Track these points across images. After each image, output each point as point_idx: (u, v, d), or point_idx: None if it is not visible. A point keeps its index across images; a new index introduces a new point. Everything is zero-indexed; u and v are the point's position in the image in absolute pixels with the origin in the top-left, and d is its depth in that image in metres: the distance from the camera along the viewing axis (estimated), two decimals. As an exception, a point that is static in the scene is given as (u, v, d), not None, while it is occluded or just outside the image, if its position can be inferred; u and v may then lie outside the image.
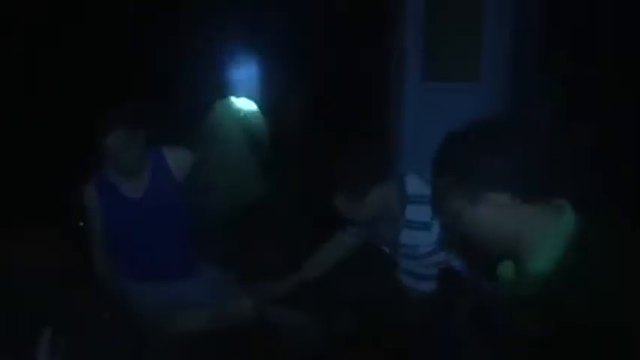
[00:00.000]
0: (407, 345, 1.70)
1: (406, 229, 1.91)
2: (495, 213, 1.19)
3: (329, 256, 2.18)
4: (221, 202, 2.33)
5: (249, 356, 1.72)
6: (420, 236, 1.90)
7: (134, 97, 2.98)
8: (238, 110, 2.34)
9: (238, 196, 2.44)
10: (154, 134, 2.32)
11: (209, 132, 2.31)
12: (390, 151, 3.20)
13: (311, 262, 2.17)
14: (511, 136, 1.23)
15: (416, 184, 1.89)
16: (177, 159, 2.40)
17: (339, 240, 2.16)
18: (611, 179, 2.77)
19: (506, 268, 1.27)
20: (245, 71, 2.96)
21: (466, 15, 3.67)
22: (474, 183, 1.19)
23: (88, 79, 3.31)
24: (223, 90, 2.48)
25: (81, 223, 2.36)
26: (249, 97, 2.51)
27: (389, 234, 1.97)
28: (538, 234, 1.18)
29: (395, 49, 3.69)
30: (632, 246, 1.16)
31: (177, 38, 3.41)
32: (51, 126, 3.19)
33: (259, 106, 2.48)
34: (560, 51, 3.18)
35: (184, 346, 1.73)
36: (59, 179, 2.79)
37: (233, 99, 2.49)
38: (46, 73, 3.35)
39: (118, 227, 2.29)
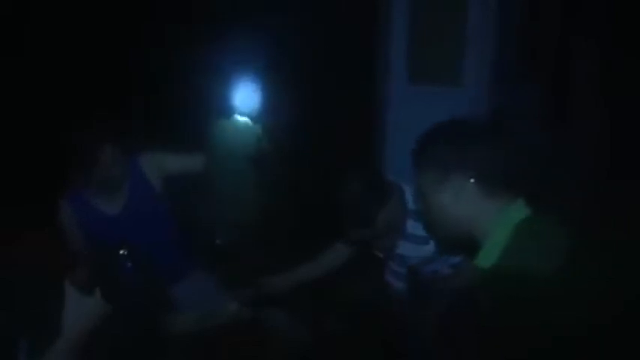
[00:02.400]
0: (392, 344, 1.71)
1: (405, 242, 1.95)
2: (457, 198, 1.28)
3: (325, 264, 2.19)
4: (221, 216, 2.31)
5: (237, 358, 1.70)
6: (418, 249, 1.94)
7: (125, 115, 2.96)
8: (237, 129, 2.32)
9: (238, 208, 2.42)
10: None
11: (211, 151, 2.27)
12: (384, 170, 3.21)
13: (307, 266, 2.18)
14: (482, 131, 1.32)
15: None
16: (151, 166, 2.34)
17: (336, 249, 2.18)
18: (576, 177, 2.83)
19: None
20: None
21: (450, 19, 3.69)
22: (440, 168, 1.29)
23: (77, 91, 3.26)
24: (222, 109, 2.46)
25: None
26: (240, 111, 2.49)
27: (388, 244, 2.01)
28: (492, 223, 1.26)
29: (379, 52, 3.70)
30: (577, 240, 1.21)
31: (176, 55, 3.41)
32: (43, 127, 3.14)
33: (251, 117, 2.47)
34: (544, 57, 3.21)
35: (172, 349, 1.71)
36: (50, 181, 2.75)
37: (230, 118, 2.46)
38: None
39: (98, 243, 2.18)
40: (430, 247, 1.91)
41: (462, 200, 1.27)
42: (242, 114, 2.27)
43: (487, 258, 1.24)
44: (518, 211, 1.26)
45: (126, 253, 1.38)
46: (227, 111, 2.36)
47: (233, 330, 1.84)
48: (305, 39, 3.48)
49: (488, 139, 1.31)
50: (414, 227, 1.90)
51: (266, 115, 2.34)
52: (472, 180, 1.26)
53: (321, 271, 2.17)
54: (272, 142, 2.29)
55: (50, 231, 2.07)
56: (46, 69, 3.28)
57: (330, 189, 1.98)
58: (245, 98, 2.43)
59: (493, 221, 1.25)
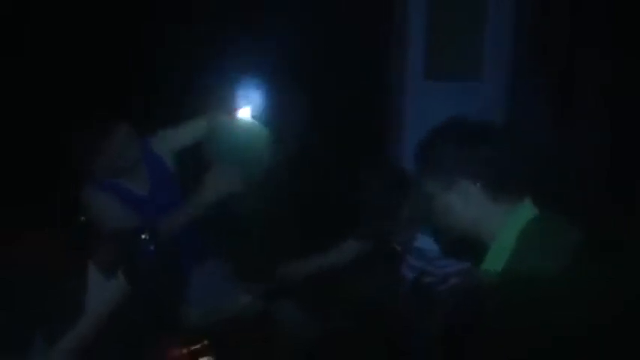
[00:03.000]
0: (395, 342, 1.72)
1: (423, 235, 1.95)
2: (464, 201, 1.27)
3: (336, 257, 2.20)
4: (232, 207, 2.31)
5: (248, 349, 1.72)
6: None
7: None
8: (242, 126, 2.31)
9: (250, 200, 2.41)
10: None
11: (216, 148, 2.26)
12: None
13: (317, 259, 2.19)
14: (490, 133, 1.30)
15: None
16: (163, 147, 2.34)
17: (348, 244, 2.19)
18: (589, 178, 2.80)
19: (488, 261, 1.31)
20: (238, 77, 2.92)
21: (469, 13, 3.66)
22: (448, 171, 1.27)
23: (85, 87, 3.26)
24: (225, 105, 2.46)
25: (82, 218, 2.30)
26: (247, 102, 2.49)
27: (407, 237, 2.01)
28: (499, 225, 1.25)
29: (397, 46, 3.69)
30: (584, 242, 1.20)
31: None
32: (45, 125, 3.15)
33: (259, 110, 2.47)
34: (562, 51, 3.18)
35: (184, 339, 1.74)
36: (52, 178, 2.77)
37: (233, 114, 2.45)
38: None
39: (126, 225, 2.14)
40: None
41: (470, 203, 1.26)
42: (252, 114, 2.27)
43: (495, 260, 1.23)
44: (526, 212, 1.25)
45: (148, 237, 1.40)
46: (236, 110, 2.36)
47: (243, 322, 1.86)
48: (321, 34, 3.48)
49: (495, 140, 1.29)
50: None
51: (280, 113, 2.35)
52: (480, 184, 1.25)
53: (332, 265, 2.18)
54: (282, 145, 2.28)
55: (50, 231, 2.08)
56: (57, 55, 3.29)
57: (346, 184, 1.98)
58: (256, 96, 2.43)
59: (500, 223, 1.24)
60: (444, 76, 3.67)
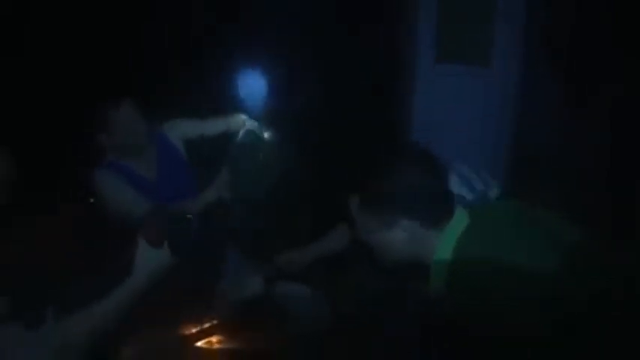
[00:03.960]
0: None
1: None
2: (405, 237, 1.31)
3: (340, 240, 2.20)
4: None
5: (259, 331, 1.74)
6: None
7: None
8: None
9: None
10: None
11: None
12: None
13: (322, 243, 2.19)
14: (429, 167, 1.31)
15: (451, 182, 1.88)
16: (176, 133, 2.36)
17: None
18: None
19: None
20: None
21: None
22: (391, 210, 1.30)
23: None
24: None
25: (91, 200, 2.30)
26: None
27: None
28: (437, 243, 1.30)
29: (407, 29, 3.68)
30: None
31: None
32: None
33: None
34: (573, 39, 3.17)
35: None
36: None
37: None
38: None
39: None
40: None
41: (411, 237, 1.30)
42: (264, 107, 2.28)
43: (438, 275, 1.27)
44: (458, 222, 1.29)
45: (192, 217, 1.51)
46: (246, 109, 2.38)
47: (255, 305, 1.87)
48: (331, 17, 3.46)
49: (426, 180, 1.30)
50: None
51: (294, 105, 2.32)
52: (420, 220, 1.29)
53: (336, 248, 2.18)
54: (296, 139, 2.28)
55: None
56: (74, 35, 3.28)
57: (358, 168, 1.96)
58: (268, 88, 2.43)
59: (439, 241, 1.28)
60: (455, 59, 3.67)
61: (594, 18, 3.01)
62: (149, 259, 1.41)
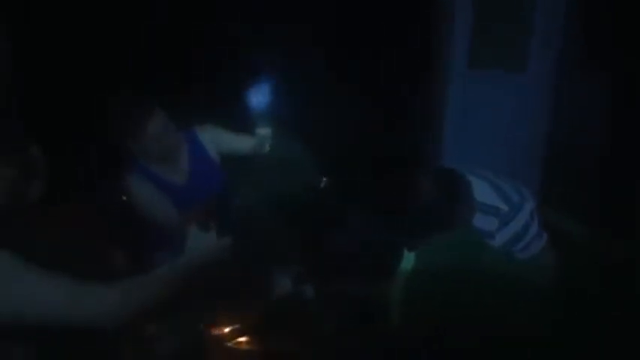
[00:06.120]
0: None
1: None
2: None
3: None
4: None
5: (282, 330, 1.76)
6: None
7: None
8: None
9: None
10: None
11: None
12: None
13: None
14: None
15: (485, 193, 1.82)
16: (210, 139, 2.37)
17: None
18: None
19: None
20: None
21: (517, 3, 3.61)
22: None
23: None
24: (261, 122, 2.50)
25: (124, 198, 2.31)
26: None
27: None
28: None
29: (442, 34, 3.66)
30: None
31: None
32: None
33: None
34: (609, 46, 3.11)
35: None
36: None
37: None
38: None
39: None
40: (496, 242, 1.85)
41: None
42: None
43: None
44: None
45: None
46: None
47: (279, 305, 1.88)
48: (365, 23, 3.46)
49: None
50: (479, 221, 1.82)
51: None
52: None
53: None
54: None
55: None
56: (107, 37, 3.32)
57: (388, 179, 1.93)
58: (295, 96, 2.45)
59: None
60: (488, 65, 3.64)
61: (632, 23, 2.95)
62: (198, 242, 1.57)
